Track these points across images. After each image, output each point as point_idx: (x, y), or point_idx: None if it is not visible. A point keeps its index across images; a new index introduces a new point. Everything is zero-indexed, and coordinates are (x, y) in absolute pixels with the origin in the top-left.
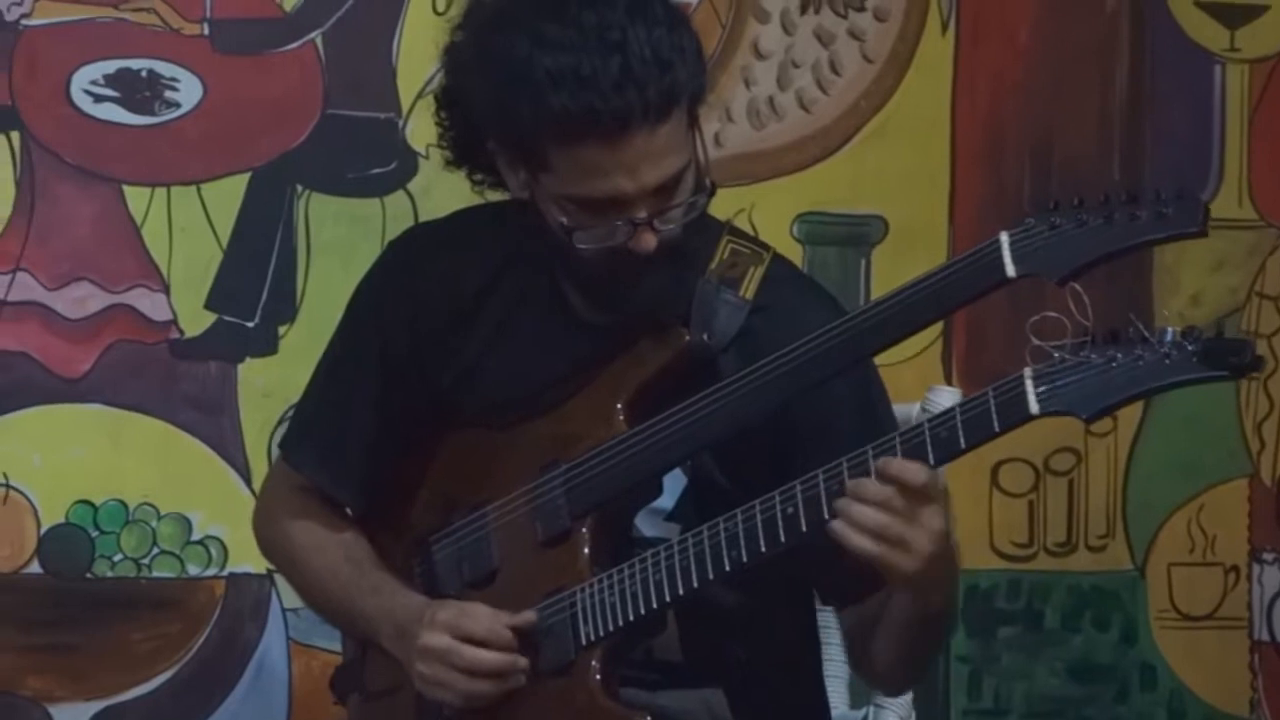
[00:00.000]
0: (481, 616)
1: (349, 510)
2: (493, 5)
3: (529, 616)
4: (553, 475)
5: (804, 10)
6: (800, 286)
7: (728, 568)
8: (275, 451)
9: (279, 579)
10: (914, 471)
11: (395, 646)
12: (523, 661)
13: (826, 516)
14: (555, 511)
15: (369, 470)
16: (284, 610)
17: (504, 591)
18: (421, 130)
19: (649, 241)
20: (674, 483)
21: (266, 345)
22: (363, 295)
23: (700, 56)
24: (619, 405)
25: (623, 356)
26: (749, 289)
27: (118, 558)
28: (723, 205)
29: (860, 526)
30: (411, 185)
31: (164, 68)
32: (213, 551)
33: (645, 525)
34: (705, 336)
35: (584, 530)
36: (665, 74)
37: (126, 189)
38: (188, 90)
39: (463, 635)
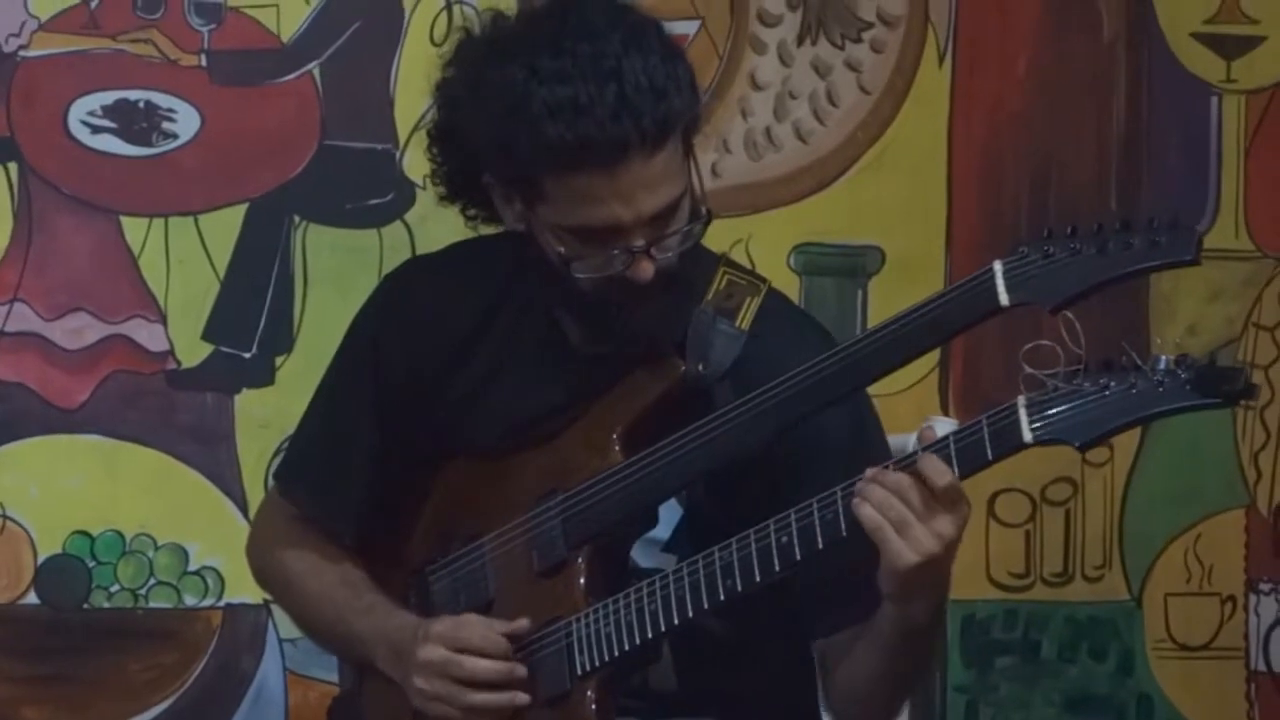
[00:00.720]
0: (476, 625)
1: (344, 542)
2: (486, 39)
3: (523, 623)
4: (549, 505)
5: (801, 41)
6: (795, 318)
7: (722, 597)
8: (271, 482)
9: (276, 609)
10: (937, 469)
11: (391, 667)
12: (520, 670)
13: (821, 545)
14: (552, 542)
15: (364, 502)
16: (281, 641)
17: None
18: (419, 161)
19: (646, 270)
20: (670, 513)
21: (263, 376)
22: (359, 328)
23: (694, 86)
24: (615, 436)
25: (618, 387)
26: (745, 320)
27: (115, 588)
28: (720, 236)
29: (870, 499)
30: (409, 216)
31: (161, 99)
32: (210, 582)
33: (641, 556)
34: (700, 367)
35: (580, 560)
36: (660, 102)
37: (124, 219)
38: (185, 121)
39: (459, 646)
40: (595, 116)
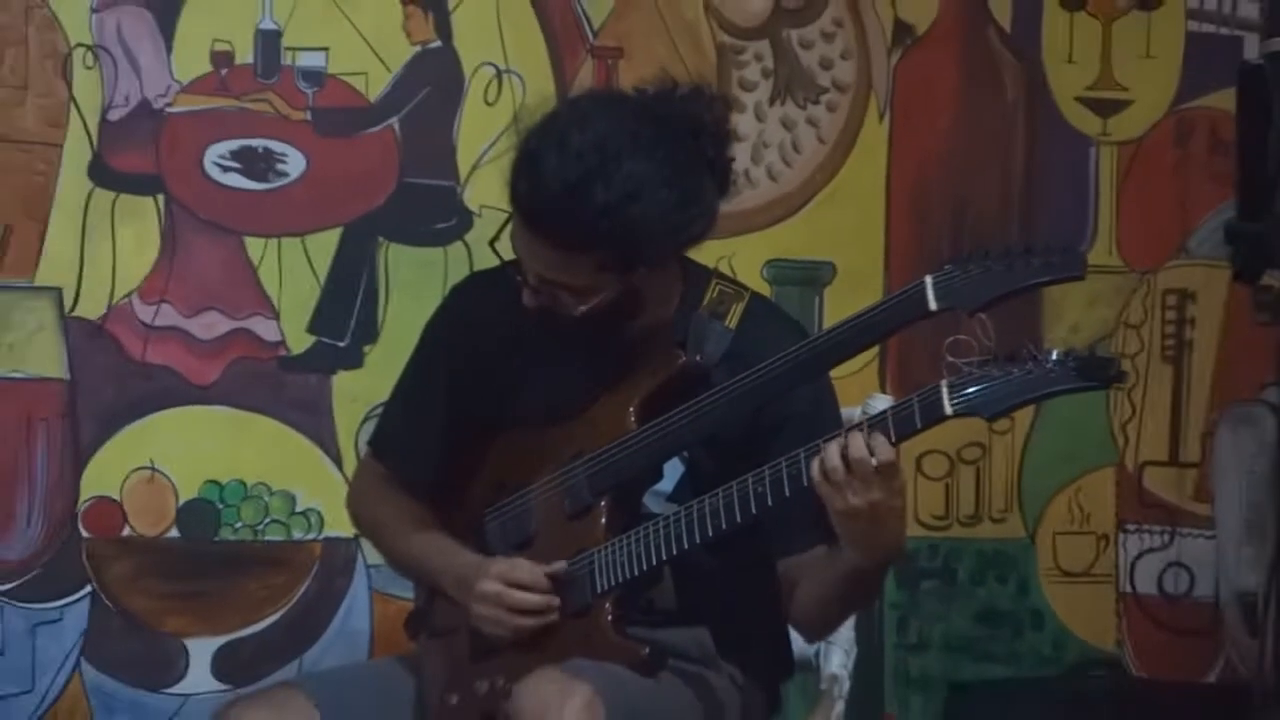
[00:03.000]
0: (524, 567)
1: (421, 493)
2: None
3: (561, 565)
4: (578, 463)
5: (772, 103)
6: (772, 317)
7: (711, 533)
8: (362, 445)
9: (364, 542)
10: (883, 448)
11: (457, 593)
12: (556, 601)
13: (787, 493)
14: (580, 491)
15: (437, 463)
16: (367, 566)
17: (539, 552)
18: (476, 194)
19: (526, 297)
20: (674, 470)
21: (355, 361)
22: (432, 329)
23: (646, 241)
24: (631, 409)
25: (634, 374)
26: (733, 320)
27: (238, 525)
28: (709, 254)
29: (824, 462)
30: (468, 237)
31: (276, 145)
32: (312, 520)
33: (652, 503)
34: (698, 357)
35: (602, 505)
36: (580, 214)
37: (246, 239)
38: (294, 163)
39: (511, 581)
40: (536, 182)
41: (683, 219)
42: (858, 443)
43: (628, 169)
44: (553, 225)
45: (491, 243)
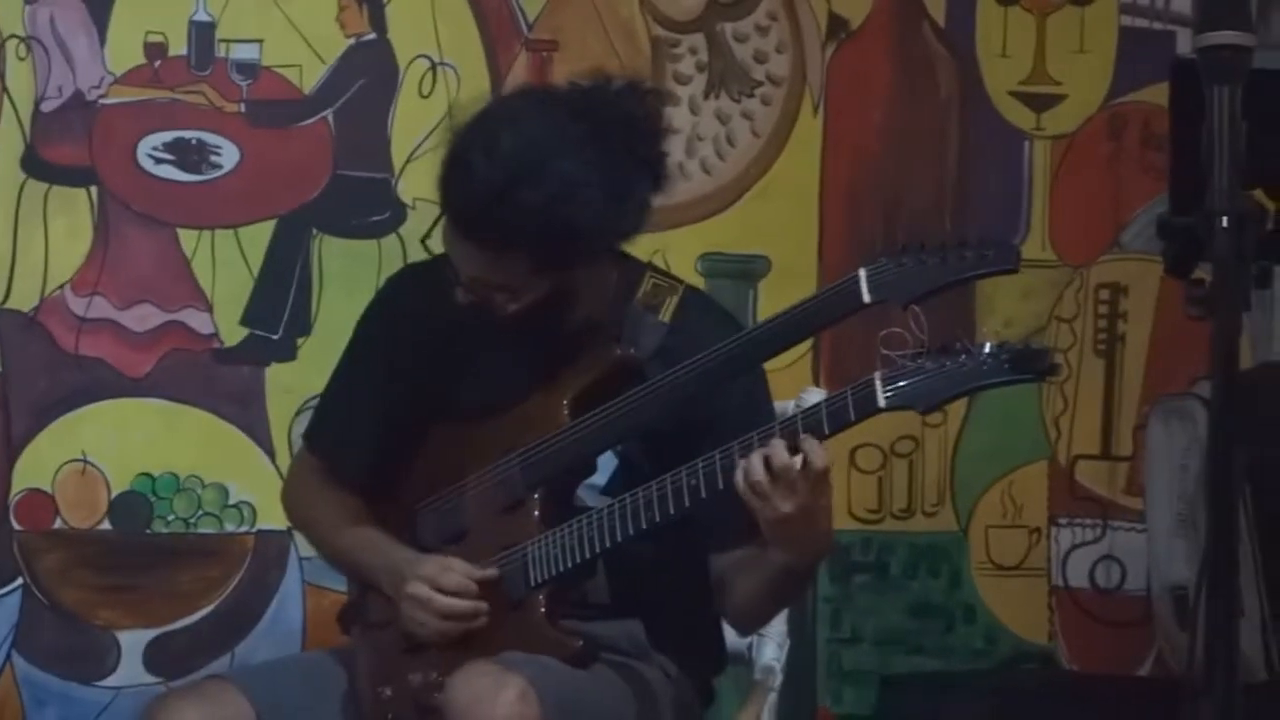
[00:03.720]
0: (454, 573)
1: (355, 487)
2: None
3: (492, 573)
4: (512, 457)
5: (707, 96)
6: (707, 310)
7: (644, 525)
8: (296, 437)
9: (297, 535)
10: (815, 452)
11: (388, 588)
12: (484, 607)
13: (721, 486)
14: (513, 485)
15: (372, 456)
16: (300, 559)
17: (472, 546)
18: (409, 186)
19: (459, 294)
20: (609, 464)
21: (288, 353)
22: (368, 321)
23: (577, 241)
24: (565, 403)
25: (568, 367)
26: (666, 314)
27: (171, 517)
28: (642, 248)
29: (744, 473)
30: (402, 230)
31: (210, 138)
32: (245, 513)
33: (587, 497)
34: (632, 350)
35: (535, 498)
36: (500, 212)
37: (180, 231)
38: (228, 155)
39: (439, 587)
40: (464, 184)
41: (614, 218)
42: (780, 453)
43: (557, 170)
44: (482, 228)
45: (424, 239)
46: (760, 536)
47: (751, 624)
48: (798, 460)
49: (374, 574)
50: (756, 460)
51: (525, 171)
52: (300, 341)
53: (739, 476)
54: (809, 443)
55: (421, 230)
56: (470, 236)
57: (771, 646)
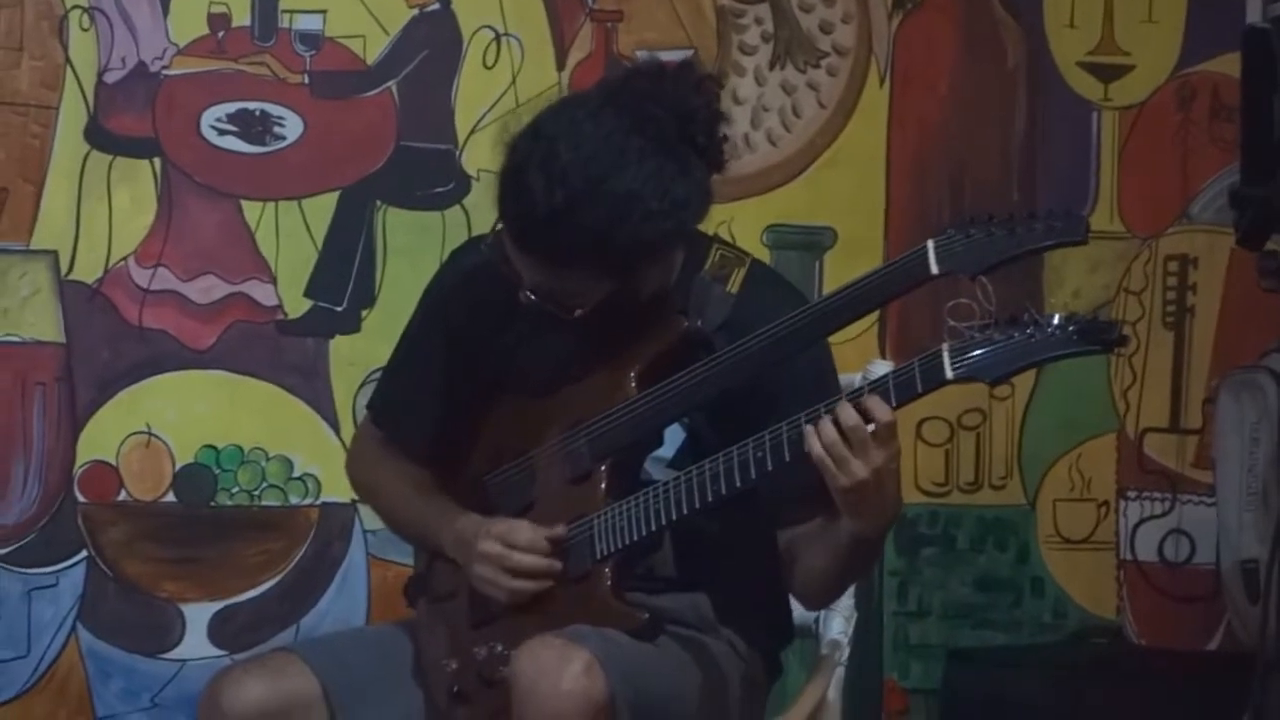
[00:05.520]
0: (525, 529)
1: (419, 458)
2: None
3: (561, 530)
4: (579, 429)
5: (772, 67)
6: (773, 283)
7: (710, 499)
8: (359, 410)
9: (362, 507)
10: (880, 408)
11: (457, 554)
12: (557, 565)
13: (788, 458)
14: (580, 457)
15: (436, 427)
16: (365, 531)
17: (540, 517)
18: (473, 158)
19: (522, 296)
20: (675, 436)
21: (352, 325)
22: (432, 294)
23: (640, 252)
24: (631, 375)
25: (635, 339)
26: (734, 285)
27: (235, 490)
28: (709, 219)
29: (820, 435)
30: (466, 202)
31: (273, 109)
32: (309, 485)
33: (654, 469)
34: (699, 323)
35: (602, 470)
36: (570, 240)
37: (244, 203)
38: (292, 126)
39: (510, 543)
40: (523, 203)
41: (677, 222)
42: (848, 412)
43: (617, 188)
44: (542, 246)
45: (482, 242)
46: (827, 509)
47: (820, 599)
48: (870, 425)
49: (440, 539)
50: (828, 424)
51: (584, 191)
52: (364, 313)
53: (813, 442)
54: (872, 399)
55: (485, 202)
56: (530, 254)
57: (838, 620)
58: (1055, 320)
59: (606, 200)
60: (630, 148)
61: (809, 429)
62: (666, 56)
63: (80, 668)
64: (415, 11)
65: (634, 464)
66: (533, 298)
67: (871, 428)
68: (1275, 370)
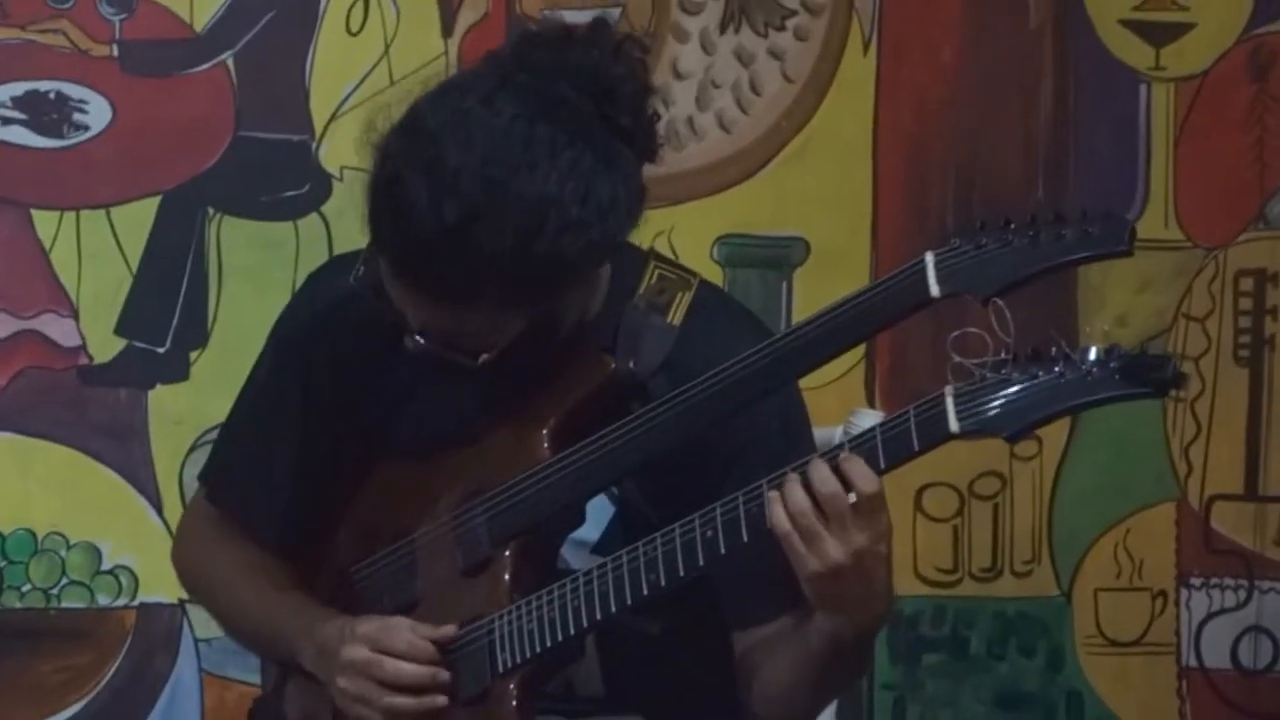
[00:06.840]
0: (402, 629)
1: (271, 543)
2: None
3: (449, 630)
4: (475, 503)
5: (723, 29)
6: (728, 312)
7: (646, 592)
8: (188, 479)
9: (191, 609)
10: (863, 475)
11: (317, 666)
12: (443, 675)
13: (746, 539)
14: (476, 539)
15: (291, 505)
16: (196, 641)
17: (425, 619)
18: (335, 152)
19: (408, 341)
20: (602, 512)
21: (177, 372)
22: (284, 329)
23: (558, 272)
24: (543, 432)
25: (547, 384)
26: (676, 315)
27: (26, 588)
28: (641, 229)
29: (786, 502)
30: (325, 208)
31: (72, 89)
32: (123, 581)
33: (573, 556)
34: (631, 363)
35: (505, 557)
36: (467, 266)
37: (35, 213)
38: (96, 112)
39: (383, 648)
40: (404, 222)
41: (602, 231)
42: (822, 473)
43: (524, 193)
44: (431, 279)
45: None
46: (797, 605)
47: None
48: (851, 495)
49: (297, 650)
50: (796, 488)
51: (482, 201)
52: (193, 356)
53: (776, 512)
54: (854, 461)
55: (350, 207)
56: (415, 286)
57: None
58: (1092, 355)
59: (511, 210)
60: (536, 139)
61: (772, 495)
62: (583, 17)
63: None
64: None
65: (547, 549)
66: (422, 342)
67: (852, 498)
68: None
